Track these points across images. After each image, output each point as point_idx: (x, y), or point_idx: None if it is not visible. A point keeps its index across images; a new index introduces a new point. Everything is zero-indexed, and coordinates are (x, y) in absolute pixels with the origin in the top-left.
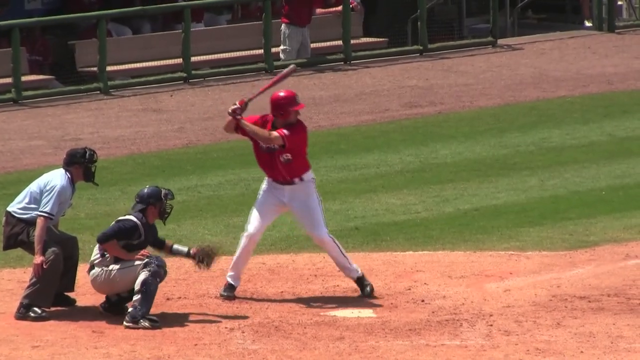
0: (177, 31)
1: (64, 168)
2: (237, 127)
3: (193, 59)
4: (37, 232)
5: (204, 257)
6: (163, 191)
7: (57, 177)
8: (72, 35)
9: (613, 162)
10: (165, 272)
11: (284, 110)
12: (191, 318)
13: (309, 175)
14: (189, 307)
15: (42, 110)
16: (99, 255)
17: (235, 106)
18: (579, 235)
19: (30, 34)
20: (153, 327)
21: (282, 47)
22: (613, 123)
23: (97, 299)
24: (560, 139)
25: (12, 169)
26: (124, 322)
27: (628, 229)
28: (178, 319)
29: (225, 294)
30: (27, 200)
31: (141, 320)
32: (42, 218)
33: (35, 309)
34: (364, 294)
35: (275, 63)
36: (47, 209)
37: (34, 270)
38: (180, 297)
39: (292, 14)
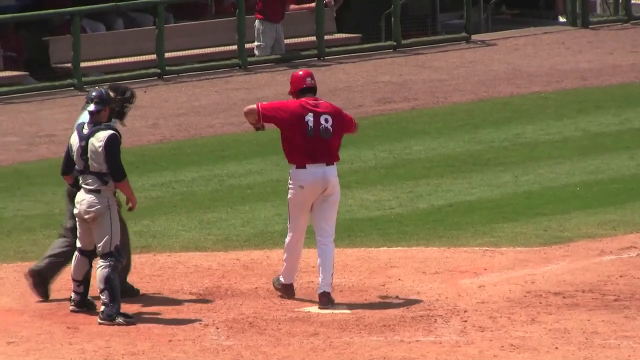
0: (150, 27)
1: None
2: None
3: (167, 55)
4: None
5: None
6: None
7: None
8: (46, 31)
9: (587, 158)
10: (121, 265)
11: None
12: (165, 314)
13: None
14: (163, 303)
15: (16, 106)
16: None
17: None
18: (553, 231)
19: (3, 30)
20: (128, 324)
21: (256, 43)
22: (587, 118)
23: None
24: (534, 135)
25: None
26: (99, 320)
27: (602, 225)
28: (152, 315)
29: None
30: None
31: (116, 318)
32: None
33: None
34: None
35: (250, 59)
36: None
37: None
38: (154, 293)
39: (266, 10)
